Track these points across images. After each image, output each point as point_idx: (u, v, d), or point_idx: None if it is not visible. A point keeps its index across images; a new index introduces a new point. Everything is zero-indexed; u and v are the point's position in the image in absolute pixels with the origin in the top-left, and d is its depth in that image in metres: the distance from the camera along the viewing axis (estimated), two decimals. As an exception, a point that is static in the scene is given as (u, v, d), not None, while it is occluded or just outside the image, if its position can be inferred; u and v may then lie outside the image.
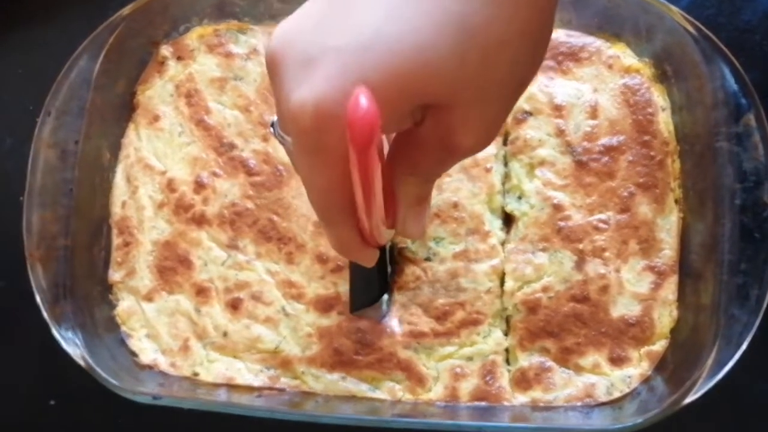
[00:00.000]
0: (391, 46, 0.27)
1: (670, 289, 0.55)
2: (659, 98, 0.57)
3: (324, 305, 0.56)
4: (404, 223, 0.36)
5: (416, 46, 0.27)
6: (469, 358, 0.55)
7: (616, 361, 0.54)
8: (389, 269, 0.55)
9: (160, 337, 0.57)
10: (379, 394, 0.55)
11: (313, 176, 0.31)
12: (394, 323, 0.55)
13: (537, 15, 0.29)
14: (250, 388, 0.56)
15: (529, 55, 0.30)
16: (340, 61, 0.27)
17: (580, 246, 0.55)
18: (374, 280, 0.51)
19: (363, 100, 0.24)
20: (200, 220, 0.58)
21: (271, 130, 0.36)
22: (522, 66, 0.30)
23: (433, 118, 0.30)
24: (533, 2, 0.29)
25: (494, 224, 0.57)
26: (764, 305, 0.50)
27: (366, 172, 0.28)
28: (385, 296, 0.55)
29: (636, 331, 0.55)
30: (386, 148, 0.35)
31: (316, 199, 0.33)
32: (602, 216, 0.56)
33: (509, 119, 0.58)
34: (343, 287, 0.56)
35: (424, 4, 0.27)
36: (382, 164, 0.30)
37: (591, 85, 0.58)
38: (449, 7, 0.27)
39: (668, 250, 0.55)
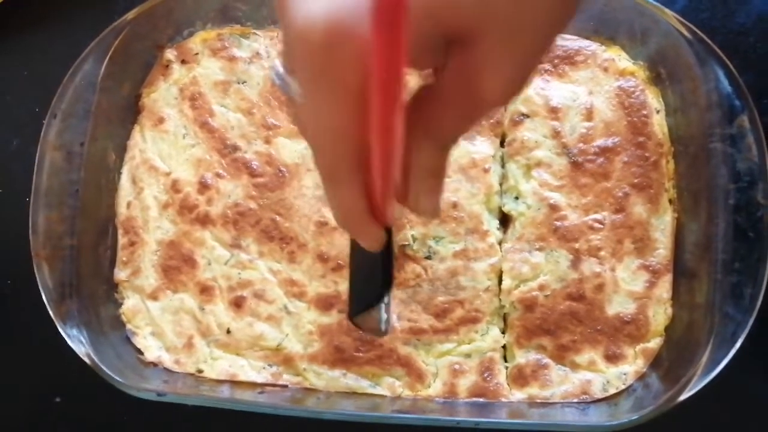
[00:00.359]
0: None
1: (664, 288, 0.56)
2: (654, 100, 0.58)
3: (325, 303, 0.57)
4: (417, 198, 0.32)
5: None
6: (468, 355, 0.56)
7: (612, 358, 0.55)
8: (391, 291, 0.50)
9: (164, 334, 0.58)
10: (379, 390, 0.56)
11: (320, 114, 0.27)
12: (393, 319, 0.56)
13: None
14: (253, 385, 0.56)
15: None
16: None
17: (576, 245, 0.56)
18: (378, 274, 0.42)
19: None
20: (204, 220, 0.59)
21: (274, 78, 0.30)
22: (551, 8, 0.27)
23: (457, 57, 0.27)
24: None
25: (492, 224, 0.58)
26: (758, 304, 0.51)
27: (389, 78, 0.23)
28: (384, 316, 0.49)
29: (631, 329, 0.55)
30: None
31: (321, 146, 0.29)
32: (597, 216, 0.57)
33: (506, 121, 0.59)
34: (344, 285, 0.57)
35: None
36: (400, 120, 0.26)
37: (586, 88, 0.59)
38: None
39: (663, 250, 0.56)
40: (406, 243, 0.57)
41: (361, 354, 0.56)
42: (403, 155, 0.30)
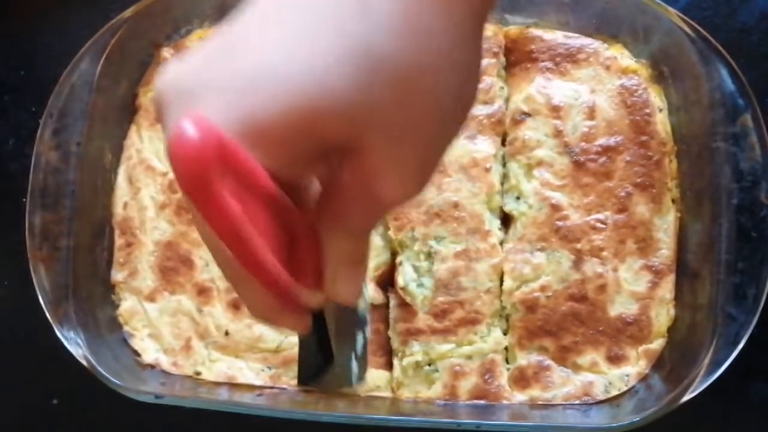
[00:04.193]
0: (281, 80, 0.24)
1: (667, 288, 0.55)
2: (656, 99, 0.58)
3: None
4: (333, 284, 0.30)
5: (311, 81, 0.24)
6: (469, 357, 0.55)
7: (614, 359, 0.55)
8: (366, 336, 0.49)
9: (162, 336, 0.58)
10: (379, 393, 0.55)
11: (200, 227, 0.27)
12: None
13: (459, 45, 0.25)
14: (251, 387, 0.56)
15: (452, 89, 0.26)
16: (222, 100, 0.24)
17: (578, 246, 0.56)
18: (317, 349, 0.41)
19: (189, 128, 0.20)
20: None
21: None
22: (444, 104, 0.26)
23: (348, 163, 0.26)
24: (454, 31, 0.25)
25: (494, 224, 0.57)
26: (761, 304, 0.50)
27: (218, 221, 0.22)
28: (355, 370, 0.48)
29: (634, 330, 0.55)
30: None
31: (212, 254, 0.29)
32: (600, 216, 0.56)
33: (508, 120, 0.59)
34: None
35: (322, 34, 0.24)
36: (275, 210, 0.26)
37: (589, 86, 0.58)
38: (353, 37, 0.24)
39: (665, 250, 0.56)
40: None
41: (376, 358, 0.56)
42: (318, 241, 0.29)
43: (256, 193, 0.24)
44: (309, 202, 0.29)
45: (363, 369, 0.46)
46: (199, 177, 0.21)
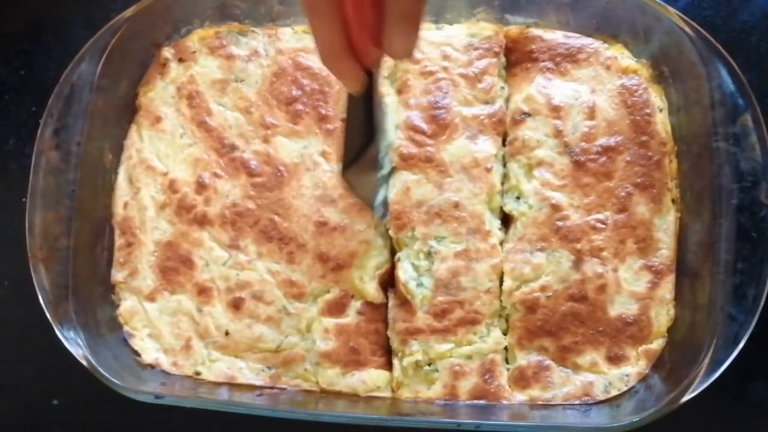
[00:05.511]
0: None
1: (667, 288, 0.55)
2: (657, 99, 0.58)
3: (338, 305, 0.57)
4: (391, 39, 0.36)
5: None
6: (468, 357, 0.55)
7: (614, 359, 0.55)
8: (388, 193, 0.55)
9: (162, 336, 0.58)
10: (380, 393, 0.55)
11: None
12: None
13: None
14: (251, 387, 0.56)
15: None
16: None
17: (578, 246, 0.56)
18: (362, 125, 0.50)
19: None
20: (202, 221, 0.59)
21: None
22: None
23: None
24: None
25: (494, 224, 0.57)
26: (761, 304, 0.50)
27: None
28: (383, 195, 0.54)
29: (633, 330, 0.55)
30: None
31: None
32: (600, 216, 0.56)
33: (508, 120, 0.59)
34: (346, 286, 0.57)
35: None
36: None
37: (589, 86, 0.58)
38: None
39: (665, 250, 0.56)
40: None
41: (376, 358, 0.56)
42: (380, 1, 0.34)
43: None
44: None
45: (386, 203, 0.55)
46: None
